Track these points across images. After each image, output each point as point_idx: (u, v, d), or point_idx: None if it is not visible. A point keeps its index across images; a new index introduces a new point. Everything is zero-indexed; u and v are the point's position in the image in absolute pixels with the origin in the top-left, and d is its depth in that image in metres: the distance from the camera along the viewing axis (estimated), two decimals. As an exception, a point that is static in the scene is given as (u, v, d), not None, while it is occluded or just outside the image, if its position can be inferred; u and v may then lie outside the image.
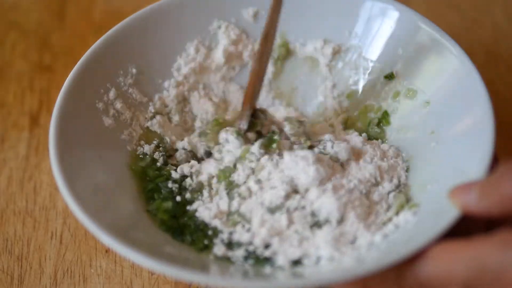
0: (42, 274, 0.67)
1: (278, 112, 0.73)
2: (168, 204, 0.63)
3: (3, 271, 0.67)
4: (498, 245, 0.49)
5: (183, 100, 0.73)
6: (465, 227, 0.53)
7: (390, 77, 0.70)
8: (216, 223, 0.61)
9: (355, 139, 0.67)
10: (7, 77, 0.84)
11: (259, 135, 0.65)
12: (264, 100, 0.74)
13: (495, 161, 0.57)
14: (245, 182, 0.63)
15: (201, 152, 0.67)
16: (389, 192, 0.62)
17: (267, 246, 0.59)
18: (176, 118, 0.71)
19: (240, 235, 0.60)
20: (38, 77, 0.84)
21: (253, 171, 0.63)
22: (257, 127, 0.65)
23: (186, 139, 0.69)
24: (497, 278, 0.48)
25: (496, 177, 0.52)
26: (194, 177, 0.65)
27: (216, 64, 0.74)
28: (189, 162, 0.67)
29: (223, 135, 0.65)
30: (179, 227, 0.62)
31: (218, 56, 0.73)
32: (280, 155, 0.63)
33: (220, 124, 0.66)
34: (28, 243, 0.69)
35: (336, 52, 0.73)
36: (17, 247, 0.69)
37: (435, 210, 0.56)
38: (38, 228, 0.70)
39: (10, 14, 0.91)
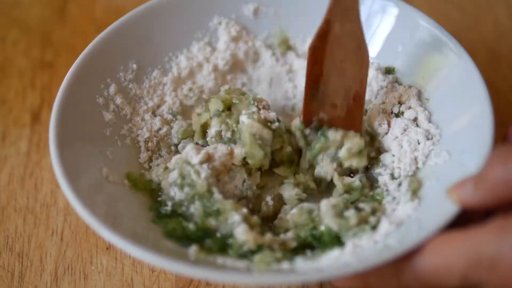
0: (42, 271, 0.67)
1: None
2: (193, 227, 0.61)
3: (3, 268, 0.67)
4: (492, 232, 0.49)
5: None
6: (465, 221, 0.53)
7: (391, 71, 0.70)
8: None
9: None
10: (8, 74, 0.84)
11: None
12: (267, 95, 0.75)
13: None
14: None
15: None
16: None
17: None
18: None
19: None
20: (40, 74, 0.84)
21: None
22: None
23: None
24: (493, 264, 0.48)
25: (486, 166, 0.52)
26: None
27: (218, 63, 0.74)
28: None
29: None
30: (188, 238, 0.61)
31: (220, 54, 0.73)
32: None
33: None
34: (29, 240, 0.69)
35: (336, 49, 0.73)
36: (18, 244, 0.69)
37: (434, 206, 0.56)
38: (39, 225, 0.70)
39: (12, 11, 0.91)
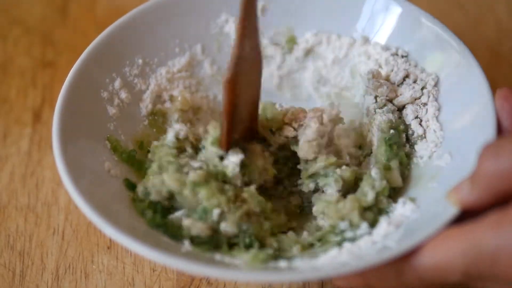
0: (44, 270, 0.67)
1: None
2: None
3: (5, 266, 0.67)
4: (489, 226, 0.49)
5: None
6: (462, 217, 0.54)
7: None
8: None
9: None
10: (10, 73, 0.84)
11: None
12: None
13: None
14: None
15: None
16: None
17: None
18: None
19: None
20: (41, 73, 0.84)
21: None
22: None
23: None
24: (494, 258, 0.48)
25: (478, 163, 0.52)
26: None
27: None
28: None
29: None
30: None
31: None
32: None
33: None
34: (30, 239, 0.69)
35: (339, 48, 0.73)
36: (19, 242, 0.69)
37: (434, 207, 0.57)
38: (40, 224, 0.70)
39: (13, 10, 0.91)
